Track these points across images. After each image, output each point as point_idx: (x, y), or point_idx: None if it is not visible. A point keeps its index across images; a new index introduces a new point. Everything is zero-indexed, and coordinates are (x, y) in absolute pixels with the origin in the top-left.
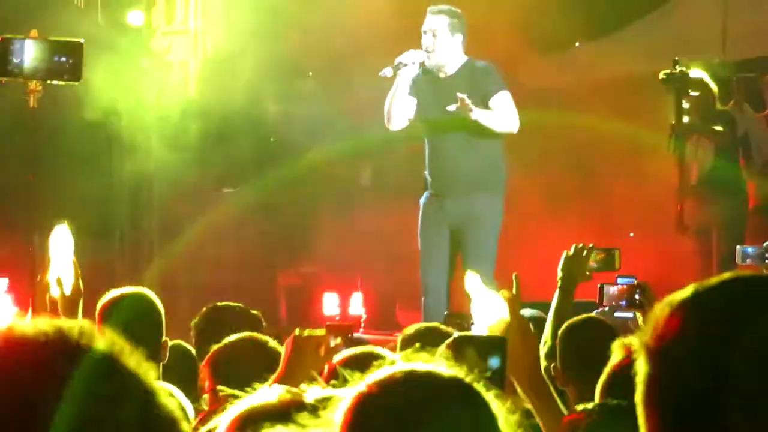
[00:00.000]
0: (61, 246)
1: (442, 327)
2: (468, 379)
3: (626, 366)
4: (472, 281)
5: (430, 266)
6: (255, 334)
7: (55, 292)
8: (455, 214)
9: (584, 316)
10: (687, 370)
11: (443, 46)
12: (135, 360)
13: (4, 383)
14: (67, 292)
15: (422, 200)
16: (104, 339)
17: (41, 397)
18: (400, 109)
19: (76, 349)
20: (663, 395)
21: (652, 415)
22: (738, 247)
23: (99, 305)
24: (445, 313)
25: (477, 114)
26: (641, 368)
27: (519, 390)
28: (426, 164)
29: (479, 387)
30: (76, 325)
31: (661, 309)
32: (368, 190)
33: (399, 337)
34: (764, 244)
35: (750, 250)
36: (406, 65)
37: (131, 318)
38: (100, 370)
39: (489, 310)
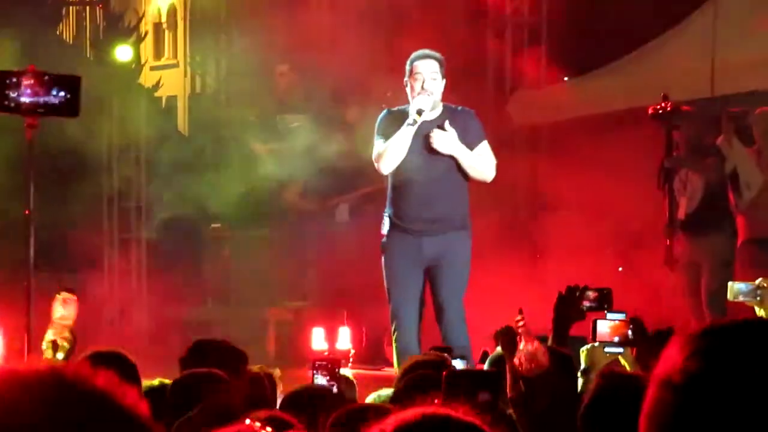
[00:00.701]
0: (64, 312)
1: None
2: (484, 426)
3: (599, 396)
4: None
5: (405, 303)
6: None
7: (48, 354)
8: (432, 252)
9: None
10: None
11: (438, 90)
12: (131, 399)
13: (2, 423)
14: (60, 357)
15: (390, 238)
16: (99, 378)
17: None
18: (403, 154)
19: (71, 389)
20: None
21: None
22: (729, 283)
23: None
24: (431, 348)
25: (459, 152)
26: (654, 401)
27: None
28: (395, 203)
29: None
30: (72, 365)
31: (682, 345)
32: (349, 225)
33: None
34: (756, 281)
35: (742, 286)
36: (424, 111)
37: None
38: (96, 409)
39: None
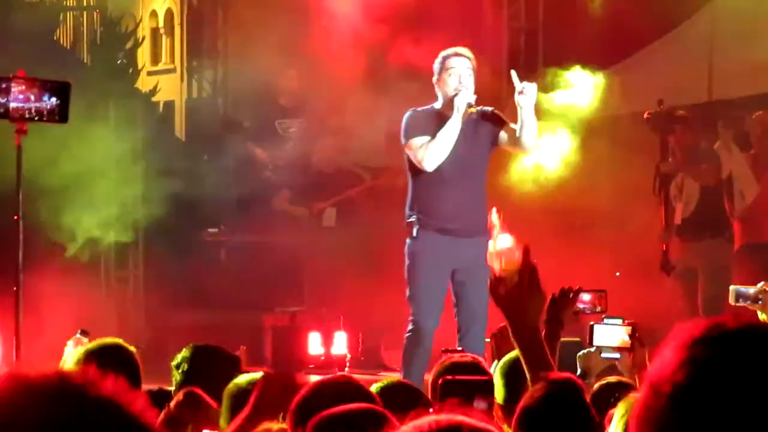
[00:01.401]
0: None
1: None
2: None
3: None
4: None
5: (431, 311)
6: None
7: None
8: (468, 255)
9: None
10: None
11: (473, 86)
12: (138, 406)
13: (7, 427)
14: None
15: (419, 240)
16: (107, 384)
17: None
18: (450, 148)
19: (79, 394)
20: None
21: None
22: (731, 287)
23: (76, 354)
24: (443, 349)
25: (529, 104)
26: (643, 405)
27: (512, 337)
28: (426, 203)
29: None
30: (80, 370)
31: (674, 351)
32: (338, 229)
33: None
34: (758, 285)
35: (743, 290)
36: (473, 103)
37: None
38: (103, 415)
39: (506, 246)
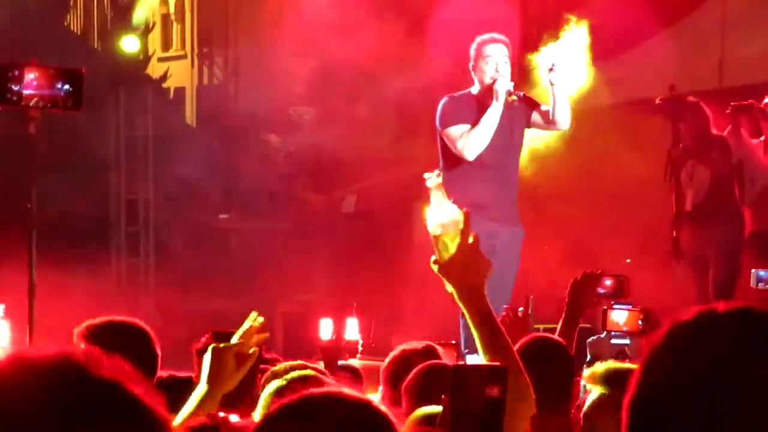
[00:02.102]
0: None
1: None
2: (375, 405)
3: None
4: (434, 183)
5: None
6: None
7: None
8: (503, 244)
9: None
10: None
11: (509, 74)
12: (142, 388)
13: (12, 407)
14: None
15: None
16: (111, 365)
17: (47, 421)
18: (491, 135)
19: (82, 375)
20: (652, 412)
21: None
22: (752, 270)
23: (86, 328)
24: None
25: (561, 80)
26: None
27: (461, 305)
28: (465, 188)
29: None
30: (83, 351)
31: (663, 335)
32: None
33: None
34: None
35: (763, 273)
36: (512, 91)
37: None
38: (104, 395)
39: (446, 215)
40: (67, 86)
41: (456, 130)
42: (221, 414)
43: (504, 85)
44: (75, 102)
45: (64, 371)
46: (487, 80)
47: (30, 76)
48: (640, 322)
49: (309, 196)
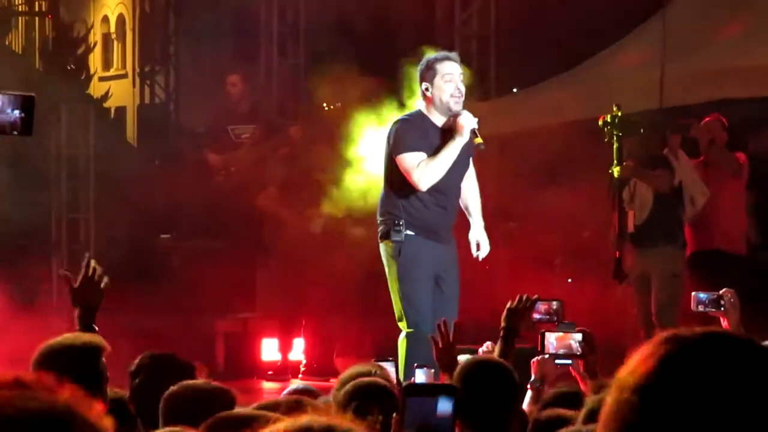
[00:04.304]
0: None
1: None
2: None
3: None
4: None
5: (427, 313)
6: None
7: None
8: (445, 260)
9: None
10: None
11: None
12: (96, 412)
13: None
14: None
15: (408, 245)
16: (64, 391)
17: None
18: (446, 169)
19: (34, 400)
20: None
21: None
22: (693, 293)
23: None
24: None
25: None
26: (614, 401)
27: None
28: (412, 209)
29: None
30: (34, 376)
31: (646, 350)
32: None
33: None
34: (720, 291)
35: (703, 296)
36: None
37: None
38: (58, 421)
39: None
40: (17, 111)
41: (412, 159)
42: None
43: (470, 122)
44: (25, 127)
45: (16, 395)
46: (446, 99)
47: None
48: (578, 344)
49: (280, 210)
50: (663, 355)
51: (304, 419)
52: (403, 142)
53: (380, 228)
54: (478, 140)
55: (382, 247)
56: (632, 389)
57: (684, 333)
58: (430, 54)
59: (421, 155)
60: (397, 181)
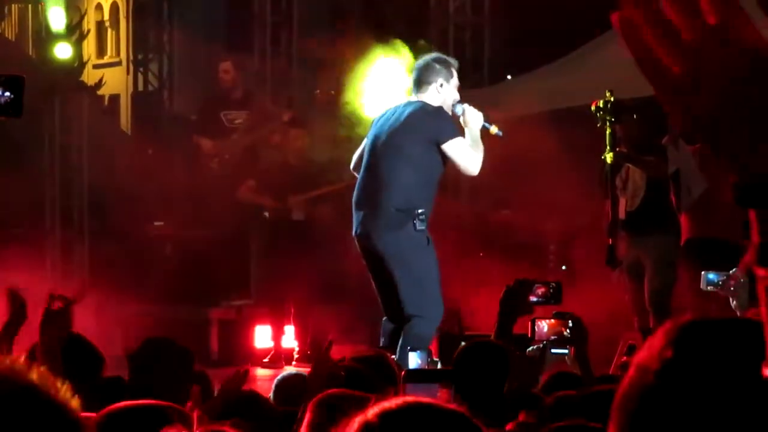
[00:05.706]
0: None
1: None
2: (468, 414)
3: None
4: None
5: (441, 307)
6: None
7: None
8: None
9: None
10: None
11: None
12: (64, 394)
13: None
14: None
15: (424, 230)
16: (32, 373)
17: None
18: None
19: (4, 382)
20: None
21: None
22: (702, 273)
23: None
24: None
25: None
26: (630, 384)
27: None
28: (429, 200)
29: (478, 423)
30: (5, 359)
31: (663, 334)
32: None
33: None
34: (730, 272)
35: (713, 276)
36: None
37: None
38: (28, 402)
39: None
40: (7, 93)
41: (463, 142)
42: None
43: (476, 118)
44: (15, 109)
45: None
46: (450, 103)
47: None
48: (567, 330)
49: (260, 200)
50: (678, 340)
51: (399, 400)
52: (453, 127)
53: (395, 217)
54: (494, 130)
55: (398, 236)
56: (651, 373)
57: (701, 318)
58: (444, 55)
59: (468, 140)
60: (428, 167)
